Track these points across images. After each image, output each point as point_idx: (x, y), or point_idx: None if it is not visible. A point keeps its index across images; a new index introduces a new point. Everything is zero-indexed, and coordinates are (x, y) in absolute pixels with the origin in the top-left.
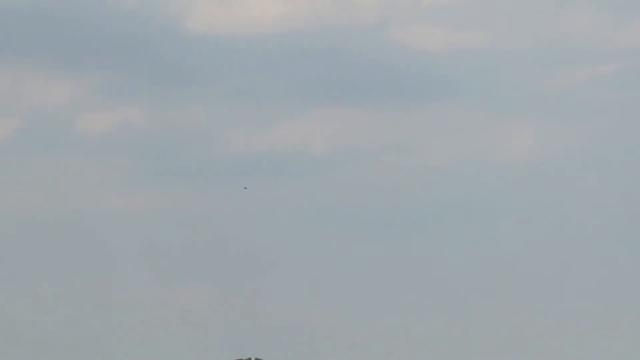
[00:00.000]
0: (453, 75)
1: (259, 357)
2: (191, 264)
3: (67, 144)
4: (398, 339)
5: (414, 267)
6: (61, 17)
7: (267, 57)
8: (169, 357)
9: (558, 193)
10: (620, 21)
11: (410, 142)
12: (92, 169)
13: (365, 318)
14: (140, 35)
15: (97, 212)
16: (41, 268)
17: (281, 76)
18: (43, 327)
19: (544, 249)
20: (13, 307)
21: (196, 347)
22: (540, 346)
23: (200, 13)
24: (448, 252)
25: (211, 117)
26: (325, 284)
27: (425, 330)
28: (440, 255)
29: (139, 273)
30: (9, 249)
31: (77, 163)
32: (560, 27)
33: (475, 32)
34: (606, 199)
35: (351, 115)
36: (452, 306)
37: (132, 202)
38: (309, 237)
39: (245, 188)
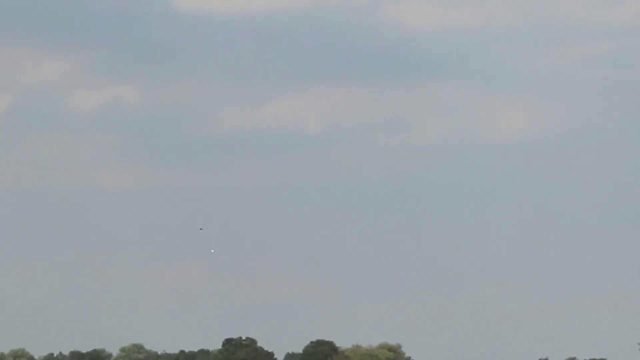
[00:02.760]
0: (446, 53)
1: (251, 337)
2: (184, 241)
3: (59, 122)
4: (392, 316)
5: (408, 244)
6: None
7: (260, 35)
8: (161, 335)
9: (550, 171)
10: (614, 1)
11: (403, 120)
12: (84, 147)
13: (359, 296)
14: (133, 13)
15: (89, 189)
16: (33, 244)
17: (274, 54)
18: (36, 301)
19: (536, 225)
20: (5, 282)
21: (189, 326)
22: (531, 318)
23: None
24: (441, 229)
25: (204, 94)
26: (319, 262)
27: (417, 306)
28: (433, 233)
29: (132, 250)
30: (1, 225)
31: (69, 140)
32: (554, 6)
33: (468, 11)
34: (598, 176)
35: (345, 94)
36: (445, 282)
37: (124, 179)
38: (303, 215)
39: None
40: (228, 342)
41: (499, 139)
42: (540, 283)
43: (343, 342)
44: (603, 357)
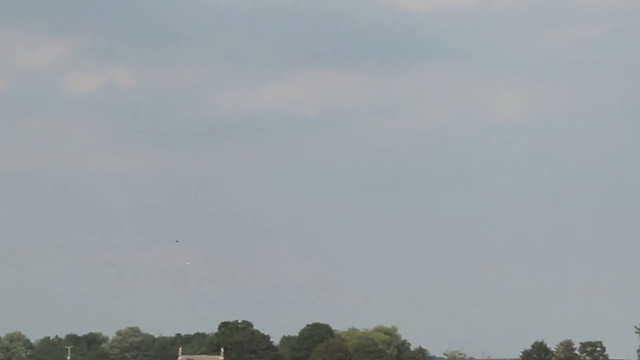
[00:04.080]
0: (441, 36)
1: (247, 320)
2: (180, 225)
3: (54, 105)
4: (387, 299)
5: (404, 228)
6: None
7: (256, 19)
8: (158, 318)
9: (546, 153)
10: None
11: (399, 104)
12: (79, 130)
13: (355, 279)
14: None
15: (85, 172)
16: (28, 228)
17: (270, 38)
18: (31, 285)
19: (532, 208)
20: (1, 266)
21: (185, 310)
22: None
23: None
24: (436, 212)
25: (199, 78)
26: (315, 245)
27: (412, 289)
28: (429, 216)
29: (128, 234)
30: None
31: (63, 123)
32: None
33: None
34: (593, 158)
35: (340, 77)
36: (440, 266)
37: (120, 162)
38: (299, 199)
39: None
40: (224, 325)
41: (495, 122)
42: (535, 266)
43: (339, 326)
44: (599, 340)
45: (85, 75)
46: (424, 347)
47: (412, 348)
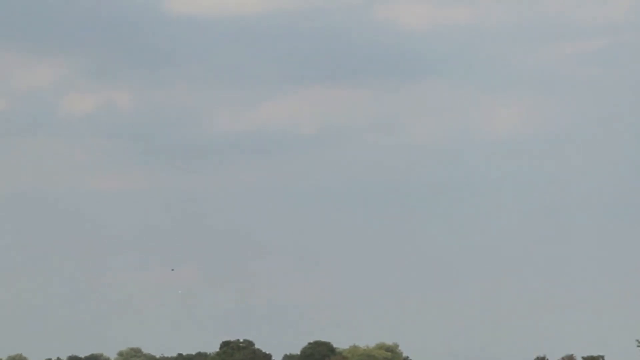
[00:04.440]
0: (439, 52)
1: (248, 339)
2: (179, 244)
3: (53, 126)
4: (388, 316)
5: (404, 244)
6: (46, 0)
7: (252, 37)
8: (159, 338)
9: (543, 168)
10: None
11: (397, 120)
12: (78, 150)
13: (356, 296)
14: (125, 17)
15: (84, 193)
16: (29, 249)
17: (267, 56)
18: (32, 306)
19: (532, 223)
20: (2, 287)
21: (187, 329)
22: (529, 316)
23: None
24: (436, 228)
25: (197, 97)
26: (316, 262)
27: (414, 305)
28: (429, 232)
29: (128, 253)
30: None
31: (62, 144)
32: (546, 3)
33: (460, 9)
34: (593, 173)
35: (338, 94)
36: (441, 281)
37: (119, 182)
38: (298, 216)
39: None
40: (226, 344)
41: (493, 138)
42: (536, 281)
43: (340, 343)
44: (601, 354)
45: (83, 97)
46: None
47: None
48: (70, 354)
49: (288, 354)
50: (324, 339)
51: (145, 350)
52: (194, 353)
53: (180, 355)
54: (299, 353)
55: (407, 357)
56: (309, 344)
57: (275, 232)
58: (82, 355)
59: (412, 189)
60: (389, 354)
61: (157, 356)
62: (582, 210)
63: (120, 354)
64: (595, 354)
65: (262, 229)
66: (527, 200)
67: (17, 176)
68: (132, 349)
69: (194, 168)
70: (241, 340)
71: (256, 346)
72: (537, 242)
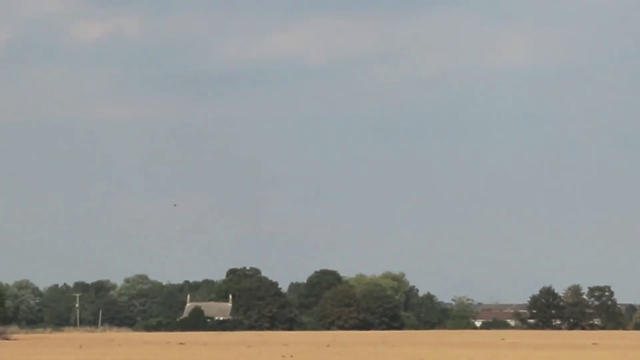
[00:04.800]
0: None
1: (255, 267)
2: (187, 173)
3: (60, 53)
4: (395, 246)
5: (410, 175)
6: None
7: None
8: (166, 266)
9: (551, 99)
10: None
11: (405, 51)
12: (86, 79)
13: (363, 226)
14: None
15: (91, 121)
16: (37, 176)
17: None
18: (39, 233)
19: (538, 154)
20: (9, 214)
21: (193, 257)
22: (534, 247)
23: None
24: (443, 159)
25: (205, 26)
26: (323, 192)
27: (420, 235)
28: (436, 163)
29: (136, 182)
30: (2, 156)
31: (69, 72)
32: None
33: None
34: (601, 102)
35: (347, 24)
36: (448, 211)
37: (126, 111)
38: (305, 147)
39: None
40: (232, 272)
41: (500, 68)
42: (543, 212)
43: (347, 272)
44: (607, 284)
45: (92, 24)
46: (432, 293)
47: (420, 294)
48: (77, 280)
49: (295, 282)
50: (330, 268)
51: (152, 277)
52: (200, 280)
53: (187, 282)
54: (305, 281)
55: (413, 286)
56: (316, 272)
57: (282, 162)
58: (88, 282)
59: (418, 120)
60: (395, 283)
61: (164, 283)
62: (591, 140)
63: (127, 280)
64: (601, 284)
65: (270, 158)
66: (534, 130)
67: (25, 104)
68: (138, 276)
69: (202, 97)
70: (248, 268)
71: (263, 274)
72: (544, 174)
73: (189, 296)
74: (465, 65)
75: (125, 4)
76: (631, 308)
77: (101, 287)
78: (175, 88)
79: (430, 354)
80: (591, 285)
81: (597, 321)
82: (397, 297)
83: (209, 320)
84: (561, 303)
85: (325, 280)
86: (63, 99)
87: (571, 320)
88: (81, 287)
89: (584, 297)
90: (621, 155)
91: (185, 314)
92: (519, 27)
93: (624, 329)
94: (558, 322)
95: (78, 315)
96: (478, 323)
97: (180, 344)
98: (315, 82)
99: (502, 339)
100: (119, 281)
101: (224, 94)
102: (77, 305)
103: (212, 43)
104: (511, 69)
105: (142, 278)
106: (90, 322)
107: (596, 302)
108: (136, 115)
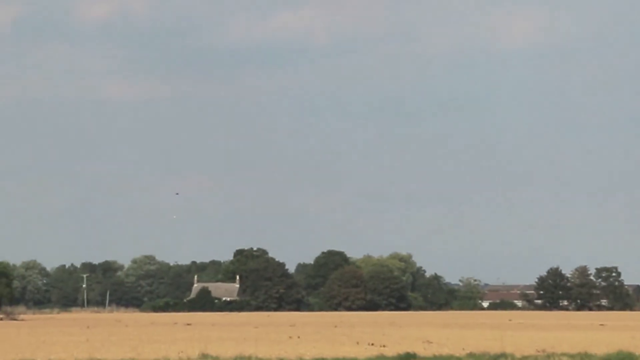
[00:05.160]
0: None
1: (262, 248)
2: (194, 152)
3: (66, 32)
4: (402, 227)
5: (416, 155)
6: None
7: None
8: (173, 246)
9: (561, 78)
10: None
11: (412, 29)
12: (91, 57)
13: (371, 206)
14: None
15: (97, 100)
16: (43, 156)
17: None
18: (47, 214)
19: (544, 134)
20: (17, 194)
21: (200, 238)
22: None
23: None
24: (450, 138)
25: (211, 4)
26: (330, 173)
27: (427, 217)
28: (442, 143)
29: (143, 161)
30: (10, 135)
31: (75, 51)
32: None
33: None
34: (609, 81)
35: (353, 3)
36: (455, 192)
37: (132, 90)
38: (311, 125)
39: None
40: (239, 252)
41: (509, 47)
42: (551, 193)
43: (354, 253)
44: (614, 265)
45: (98, 3)
46: (439, 274)
47: (427, 275)
48: (84, 261)
49: (302, 262)
50: (337, 249)
51: (159, 258)
52: (207, 261)
53: (194, 263)
54: (312, 262)
55: (420, 267)
56: (323, 253)
57: (289, 141)
58: (96, 263)
59: (427, 100)
60: (402, 264)
61: (171, 264)
62: (599, 120)
63: (134, 261)
64: (608, 265)
65: (277, 138)
66: (542, 110)
67: (31, 83)
68: (146, 257)
69: (208, 77)
70: (255, 248)
71: (270, 255)
72: (551, 154)
73: (196, 277)
74: (471, 43)
75: None
76: (638, 289)
77: (108, 268)
78: (181, 67)
79: (437, 335)
80: (598, 266)
81: (604, 302)
82: (404, 278)
83: (216, 301)
84: (568, 284)
85: (332, 261)
86: (69, 78)
87: (578, 301)
88: (88, 267)
89: (591, 278)
90: (630, 136)
91: (193, 294)
92: (529, 4)
93: (631, 310)
94: (565, 303)
95: (85, 296)
96: (485, 304)
97: (188, 324)
98: (320, 60)
99: (509, 320)
100: (126, 262)
101: (230, 72)
102: (84, 285)
103: (219, 22)
104: (520, 46)
105: (150, 259)
106: (97, 302)
107: (603, 283)
108: (142, 95)
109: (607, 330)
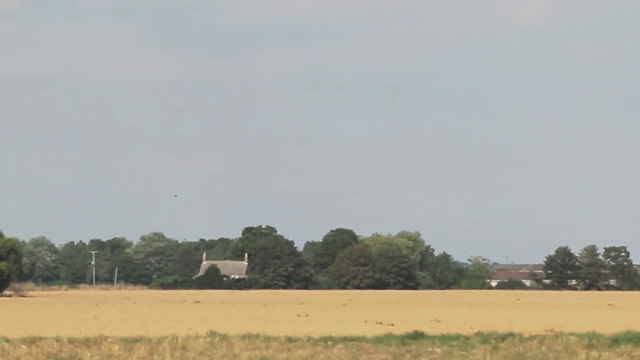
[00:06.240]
0: None
1: (270, 225)
2: (203, 131)
3: (76, 10)
4: (411, 205)
5: (427, 134)
6: None
7: None
8: (182, 224)
9: (572, 59)
10: None
11: (423, 7)
12: (101, 34)
13: (380, 184)
14: None
15: (107, 77)
16: (52, 133)
17: None
18: (56, 190)
19: (556, 114)
20: (26, 171)
21: (209, 215)
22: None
23: None
24: (461, 118)
25: None
26: (339, 151)
27: (436, 195)
28: (453, 122)
29: (152, 139)
30: (20, 113)
31: (86, 29)
32: None
33: None
34: (621, 63)
35: None
36: (464, 171)
37: (142, 67)
38: (322, 105)
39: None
40: (248, 230)
41: (520, 27)
42: (559, 172)
43: (363, 231)
44: (623, 245)
45: None
46: (447, 252)
47: (435, 254)
48: (93, 238)
49: (310, 240)
50: (346, 227)
51: (167, 235)
52: (216, 239)
53: (202, 240)
54: (321, 240)
55: (429, 245)
56: (331, 231)
57: (300, 119)
58: (104, 239)
59: (437, 79)
60: (411, 242)
61: (180, 241)
62: (610, 100)
63: (143, 238)
64: (617, 245)
65: (287, 116)
66: (553, 89)
67: (41, 60)
68: (154, 234)
69: (218, 54)
70: (263, 226)
71: (279, 233)
72: (560, 133)
73: (204, 254)
74: (483, 22)
75: None
76: None
77: (117, 245)
78: (192, 45)
79: (446, 314)
80: (607, 246)
81: (612, 282)
82: (412, 257)
83: (224, 278)
84: (577, 263)
85: (340, 240)
86: (78, 56)
87: (587, 280)
88: (97, 244)
89: (600, 257)
90: (631, 119)
91: (201, 272)
92: None
93: (639, 289)
94: (573, 282)
95: (94, 273)
96: (493, 283)
97: (196, 302)
98: (332, 40)
99: (518, 299)
100: (134, 239)
101: (241, 51)
102: (93, 262)
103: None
104: (531, 27)
105: (158, 236)
106: (106, 279)
107: (612, 263)
108: (153, 73)
109: (616, 310)
